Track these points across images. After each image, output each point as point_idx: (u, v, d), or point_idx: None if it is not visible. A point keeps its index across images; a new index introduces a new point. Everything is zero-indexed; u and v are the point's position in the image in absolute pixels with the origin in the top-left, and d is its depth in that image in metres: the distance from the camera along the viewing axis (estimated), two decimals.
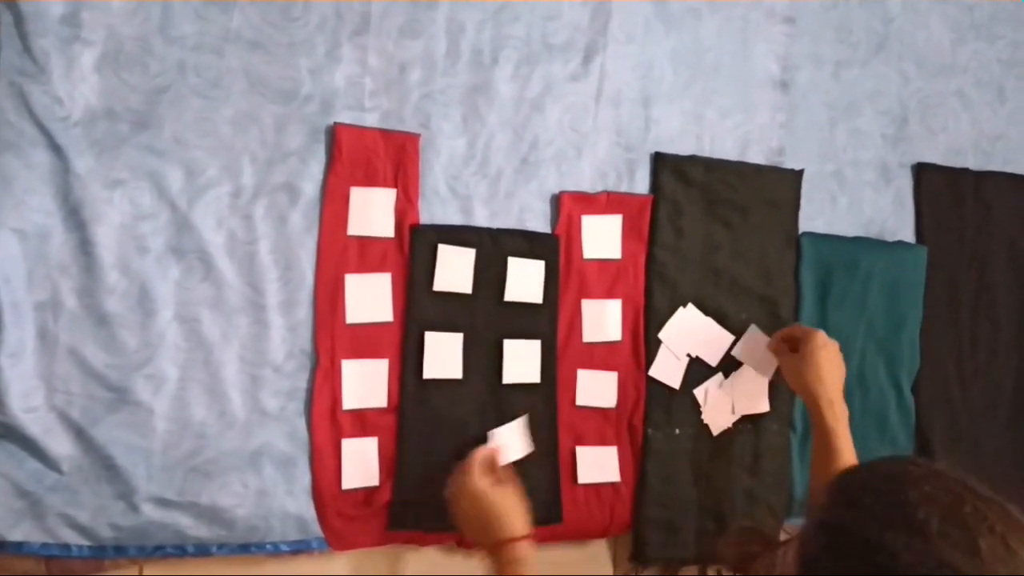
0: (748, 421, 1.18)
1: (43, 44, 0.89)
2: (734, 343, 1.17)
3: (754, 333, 1.17)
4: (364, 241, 1.02)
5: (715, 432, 1.16)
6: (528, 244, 1.09)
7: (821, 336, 1.08)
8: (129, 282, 0.93)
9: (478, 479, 0.94)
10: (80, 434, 0.91)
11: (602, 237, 1.12)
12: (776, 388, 1.18)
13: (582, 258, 1.11)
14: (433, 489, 1.01)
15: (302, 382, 1.00)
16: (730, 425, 1.17)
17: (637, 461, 1.13)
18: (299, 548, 0.99)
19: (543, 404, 1.09)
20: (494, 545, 0.91)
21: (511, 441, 1.05)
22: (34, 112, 0.89)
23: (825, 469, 1.01)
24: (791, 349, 1.11)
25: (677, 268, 1.15)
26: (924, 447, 1.25)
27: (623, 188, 1.14)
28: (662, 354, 1.14)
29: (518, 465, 1.06)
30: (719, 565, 1.18)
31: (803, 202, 1.21)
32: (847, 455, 1.02)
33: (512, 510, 0.93)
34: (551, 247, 1.10)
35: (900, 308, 1.24)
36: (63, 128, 0.90)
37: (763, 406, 1.18)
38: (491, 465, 0.99)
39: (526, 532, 0.92)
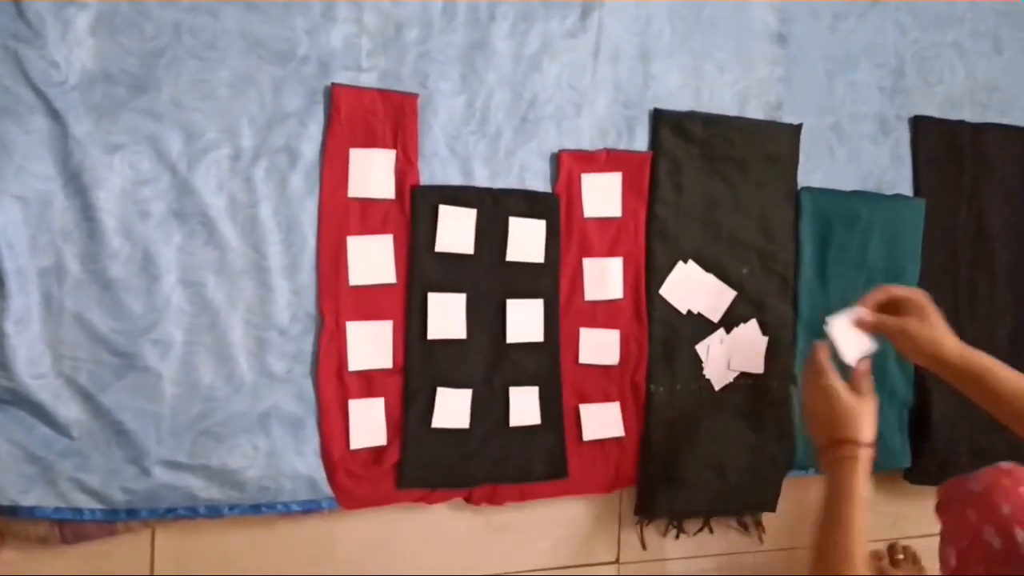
0: (748, 377, 1.19)
1: (37, 8, 0.88)
2: (735, 299, 1.17)
3: (837, 319, 1.01)
4: (365, 203, 1.02)
5: (717, 387, 1.17)
6: (529, 204, 1.08)
7: (925, 296, 1.00)
8: (132, 247, 0.93)
9: (831, 378, 0.96)
10: (89, 399, 0.92)
11: (602, 195, 1.12)
12: (773, 345, 1.19)
13: (583, 216, 1.11)
14: (441, 447, 1.04)
15: (308, 344, 1.00)
16: (731, 380, 1.18)
17: (640, 417, 1.14)
18: (310, 508, 1.00)
19: (546, 363, 1.09)
20: (836, 441, 0.93)
21: (847, 337, 1.01)
22: (30, 77, 0.88)
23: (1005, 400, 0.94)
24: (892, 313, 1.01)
25: (677, 224, 1.15)
26: (923, 397, 1.27)
27: (623, 145, 1.13)
28: None
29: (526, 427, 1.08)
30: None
31: (802, 156, 1.21)
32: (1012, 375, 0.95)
33: (864, 417, 0.94)
34: (552, 206, 1.09)
35: (899, 260, 1.24)
36: (60, 92, 0.89)
37: (758, 367, 1.18)
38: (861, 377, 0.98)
39: (870, 440, 0.93)
